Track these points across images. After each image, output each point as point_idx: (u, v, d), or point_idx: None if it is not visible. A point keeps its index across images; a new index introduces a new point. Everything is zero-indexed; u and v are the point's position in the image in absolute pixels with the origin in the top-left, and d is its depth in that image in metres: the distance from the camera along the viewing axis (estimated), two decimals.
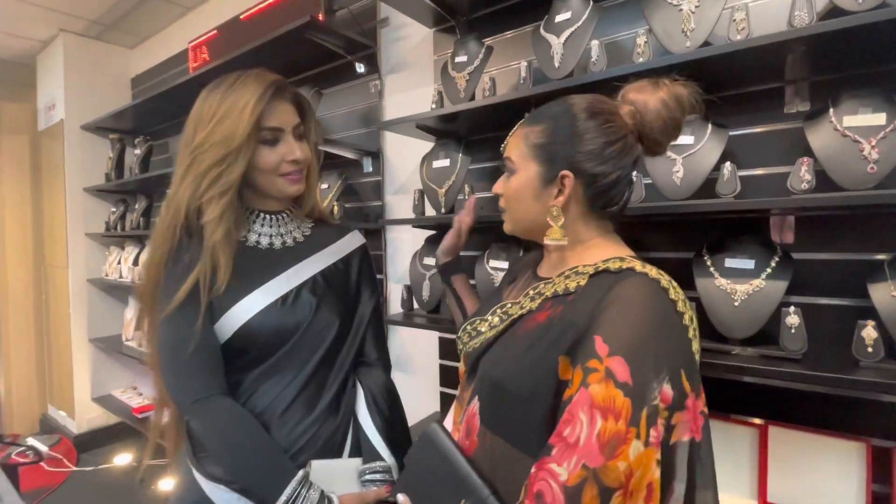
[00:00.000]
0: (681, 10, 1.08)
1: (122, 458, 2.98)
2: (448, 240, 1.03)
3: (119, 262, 3.15)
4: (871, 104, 0.94)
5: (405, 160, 1.94)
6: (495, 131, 1.58)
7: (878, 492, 1.04)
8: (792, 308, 0.98)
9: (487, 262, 1.45)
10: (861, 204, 0.89)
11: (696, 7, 1.06)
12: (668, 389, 0.55)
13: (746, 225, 1.14)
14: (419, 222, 1.54)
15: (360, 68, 2.04)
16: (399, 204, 1.97)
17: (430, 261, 1.58)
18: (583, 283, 0.66)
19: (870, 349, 0.91)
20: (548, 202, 0.71)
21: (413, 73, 1.92)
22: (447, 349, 1.81)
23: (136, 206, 3.05)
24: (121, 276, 3.08)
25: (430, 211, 1.63)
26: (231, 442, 0.84)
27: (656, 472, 0.53)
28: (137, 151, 2.99)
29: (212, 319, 0.88)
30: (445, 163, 1.51)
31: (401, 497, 0.73)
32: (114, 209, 3.24)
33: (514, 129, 0.77)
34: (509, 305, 0.76)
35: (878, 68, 1.02)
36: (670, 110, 0.70)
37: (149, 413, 2.82)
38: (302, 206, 1.04)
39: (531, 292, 0.74)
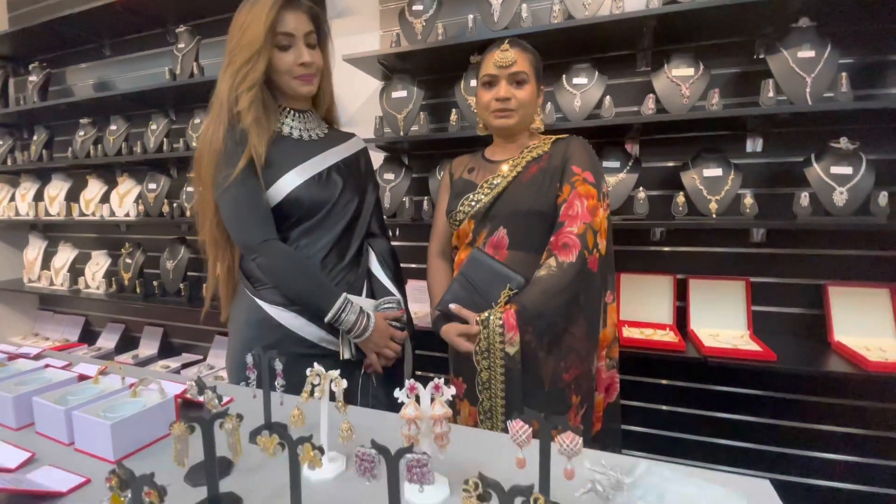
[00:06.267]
0: None
1: None
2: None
3: (12, 200, 2.91)
4: (687, 63, 1.56)
5: (351, 96, 2.22)
6: (438, 73, 1.98)
7: (679, 306, 1.73)
8: (640, 188, 1.59)
9: (439, 175, 1.87)
10: (679, 120, 1.51)
11: None
12: (605, 184, 1.14)
13: (614, 141, 1.73)
14: (380, 142, 1.89)
15: None
16: None
17: (388, 176, 1.96)
18: (547, 149, 1.17)
19: (680, 208, 1.56)
20: (536, 103, 1.19)
21: (359, 20, 2.19)
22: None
23: (35, 139, 2.83)
24: (17, 214, 2.86)
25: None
26: (293, 272, 1.11)
27: (605, 223, 1.09)
28: (33, 78, 2.76)
29: (264, 187, 1.13)
30: (403, 94, 1.88)
31: (453, 306, 1.11)
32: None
33: (509, 49, 1.13)
34: (491, 178, 1.20)
35: (695, 43, 1.65)
36: None
37: None
38: (318, 107, 1.31)
39: (506, 167, 1.19)
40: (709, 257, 1.71)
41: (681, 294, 1.73)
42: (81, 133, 2.68)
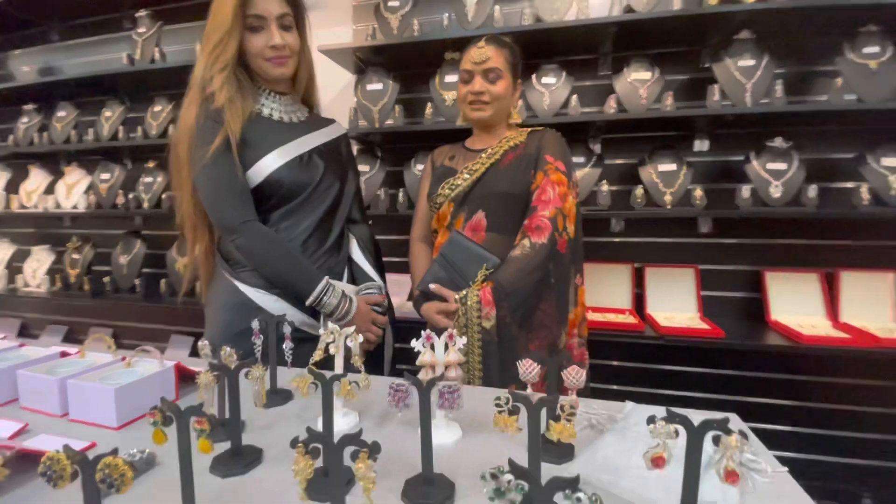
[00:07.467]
0: None
1: None
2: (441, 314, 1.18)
3: None
4: (644, 67, 1.71)
5: (322, 88, 2.22)
6: (413, 69, 2.03)
7: (637, 292, 1.87)
8: (604, 182, 1.72)
9: (414, 167, 1.92)
10: (639, 118, 1.64)
11: None
12: (576, 175, 1.23)
13: (580, 138, 1.85)
14: (354, 133, 1.91)
15: None
16: None
17: (363, 167, 1.98)
18: (523, 139, 1.25)
19: (639, 200, 1.69)
20: (512, 98, 1.26)
21: (332, 13, 2.21)
22: None
23: None
24: None
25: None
26: (273, 254, 1.10)
27: (574, 209, 1.17)
28: None
29: (243, 168, 1.12)
30: (379, 86, 1.91)
31: (433, 286, 1.16)
32: None
33: (485, 46, 1.21)
34: (470, 165, 1.26)
35: (650, 51, 1.80)
36: None
37: None
38: (295, 90, 1.27)
39: (484, 155, 1.26)
40: (663, 247, 1.86)
41: (638, 281, 1.86)
42: (25, 120, 2.50)
